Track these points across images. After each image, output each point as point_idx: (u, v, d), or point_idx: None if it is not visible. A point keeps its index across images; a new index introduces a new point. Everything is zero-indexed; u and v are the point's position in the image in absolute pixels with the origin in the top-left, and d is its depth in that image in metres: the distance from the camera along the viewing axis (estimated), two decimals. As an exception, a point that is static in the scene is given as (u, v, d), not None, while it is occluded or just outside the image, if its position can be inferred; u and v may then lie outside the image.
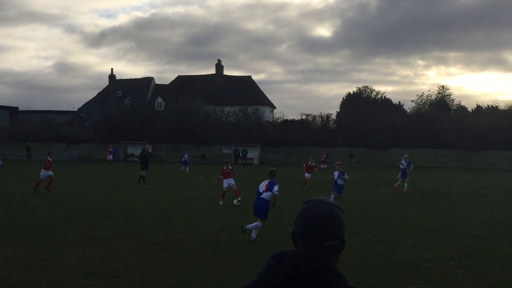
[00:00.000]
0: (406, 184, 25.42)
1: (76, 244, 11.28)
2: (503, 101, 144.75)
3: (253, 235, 12.09)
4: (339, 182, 19.37)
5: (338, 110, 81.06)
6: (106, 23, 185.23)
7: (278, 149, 65.31)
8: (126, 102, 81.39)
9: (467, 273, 9.25)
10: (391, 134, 63.82)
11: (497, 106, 76.46)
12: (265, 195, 12.32)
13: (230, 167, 20.26)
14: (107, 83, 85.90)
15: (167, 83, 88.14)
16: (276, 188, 12.35)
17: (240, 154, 63.71)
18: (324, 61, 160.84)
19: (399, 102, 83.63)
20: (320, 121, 70.75)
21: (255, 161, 63.23)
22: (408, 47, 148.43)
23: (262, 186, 12.50)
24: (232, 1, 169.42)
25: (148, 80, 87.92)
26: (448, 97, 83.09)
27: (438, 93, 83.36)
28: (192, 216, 15.96)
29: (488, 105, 78.40)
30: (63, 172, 32.28)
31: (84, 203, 18.57)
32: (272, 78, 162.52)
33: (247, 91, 79.09)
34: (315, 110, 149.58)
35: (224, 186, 19.64)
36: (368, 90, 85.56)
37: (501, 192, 26.49)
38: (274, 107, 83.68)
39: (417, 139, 63.06)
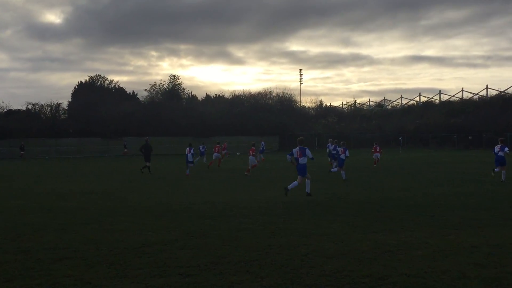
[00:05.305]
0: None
1: None
2: (228, 90, 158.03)
3: (503, 177, 20.32)
4: (342, 157, 24.66)
5: (70, 100, 77.44)
6: None
7: (1, 142, 59.30)
8: None
9: (191, 252, 9.46)
10: (125, 122, 63.64)
11: (223, 95, 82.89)
12: (500, 153, 20.31)
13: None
14: None
15: None
16: (507, 148, 20.45)
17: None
18: (55, 49, 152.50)
19: (133, 91, 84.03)
20: (49, 111, 66.51)
21: (-26, 156, 56.43)
22: (142, 38, 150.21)
23: (496, 148, 20.71)
24: None
25: None
26: (179, 86, 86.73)
27: (170, 82, 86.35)
28: None
29: (216, 95, 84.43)
30: None
31: None
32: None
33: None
34: (46, 99, 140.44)
35: None
36: (101, 79, 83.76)
37: (229, 174, 28.52)
38: (-4, 96, 75.71)
39: (151, 127, 64.18)
